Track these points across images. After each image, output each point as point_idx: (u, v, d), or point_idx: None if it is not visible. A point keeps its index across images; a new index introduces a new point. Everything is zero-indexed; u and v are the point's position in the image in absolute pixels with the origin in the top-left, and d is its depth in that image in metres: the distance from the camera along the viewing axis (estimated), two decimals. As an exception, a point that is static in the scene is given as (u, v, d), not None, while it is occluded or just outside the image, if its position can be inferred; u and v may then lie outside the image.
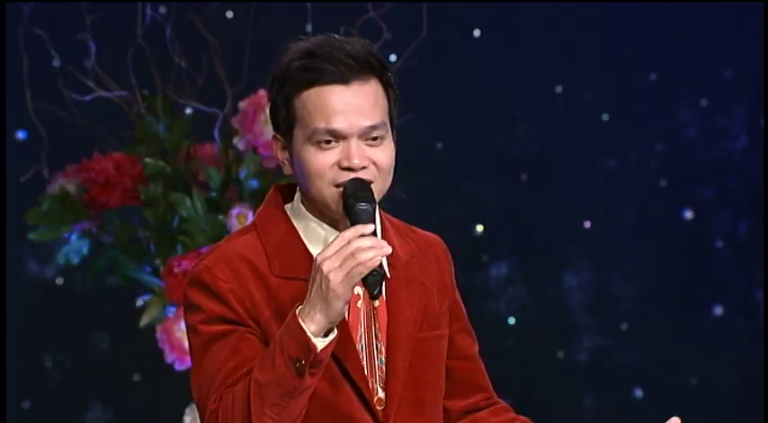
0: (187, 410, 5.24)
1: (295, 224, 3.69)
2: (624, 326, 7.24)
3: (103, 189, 5.15)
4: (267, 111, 4.98)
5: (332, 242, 3.52)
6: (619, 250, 7.32)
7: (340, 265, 3.51)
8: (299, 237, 3.67)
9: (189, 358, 4.90)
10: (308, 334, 3.50)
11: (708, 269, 7.59)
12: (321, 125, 3.60)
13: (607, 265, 7.28)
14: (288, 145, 3.65)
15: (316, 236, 3.69)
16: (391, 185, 3.69)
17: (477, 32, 6.83)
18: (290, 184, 3.74)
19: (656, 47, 7.17)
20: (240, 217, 5.08)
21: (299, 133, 3.62)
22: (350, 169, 3.60)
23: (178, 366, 5.12)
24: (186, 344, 4.87)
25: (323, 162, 3.62)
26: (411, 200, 6.57)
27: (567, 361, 7.19)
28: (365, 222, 3.54)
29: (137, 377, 6.34)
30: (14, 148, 6.41)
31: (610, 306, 7.22)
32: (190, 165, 5.22)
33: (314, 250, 3.63)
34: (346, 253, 3.52)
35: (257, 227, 3.69)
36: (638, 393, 7.25)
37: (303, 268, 3.61)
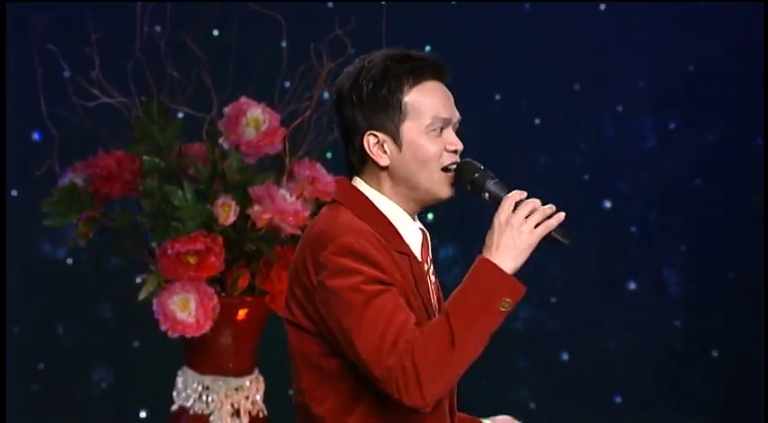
0: (179, 372, 5.23)
1: (380, 209, 3.59)
2: (553, 299, 7.31)
3: (106, 182, 5.17)
4: (247, 117, 5.06)
5: (515, 206, 3.48)
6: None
7: (538, 223, 3.48)
8: (389, 219, 3.59)
9: (180, 326, 4.99)
10: (515, 279, 3.47)
11: (623, 250, 7.66)
12: (438, 115, 3.58)
13: (539, 248, 7.31)
14: (394, 139, 3.54)
15: (400, 217, 3.60)
16: None
17: (428, 48, 6.82)
18: (343, 179, 3.64)
19: (580, 60, 7.25)
20: (224, 206, 5.04)
21: (410, 125, 3.55)
22: (456, 152, 3.58)
23: (171, 334, 5.05)
24: (182, 315, 4.98)
25: (438, 148, 3.57)
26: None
27: (504, 329, 7.22)
28: (506, 192, 3.54)
29: (136, 343, 6.35)
30: (31, 147, 6.44)
31: (541, 282, 7.24)
32: (181, 161, 5.19)
33: (401, 229, 3.58)
34: (542, 213, 3.49)
35: (355, 209, 3.57)
36: (565, 356, 7.29)
37: (403, 245, 3.57)
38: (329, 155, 5.36)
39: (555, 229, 3.50)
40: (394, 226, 3.58)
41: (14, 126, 6.32)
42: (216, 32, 5.63)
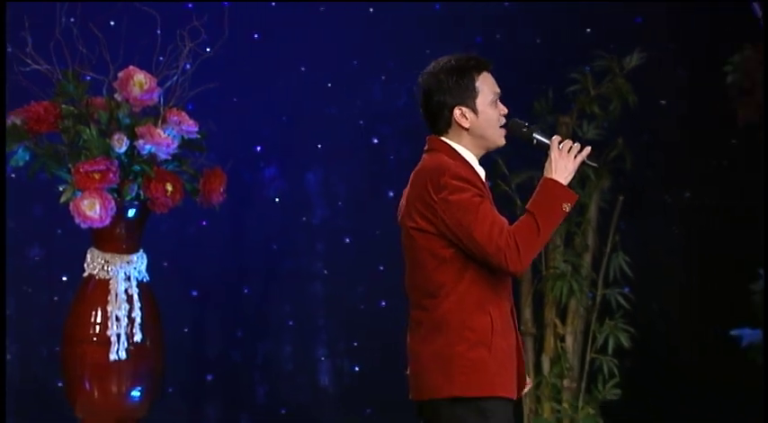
0: (88, 251, 5.20)
1: (461, 154, 3.64)
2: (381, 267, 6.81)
3: (37, 122, 5.12)
4: (134, 80, 5.03)
5: (559, 145, 3.60)
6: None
7: (576, 155, 3.60)
8: (467, 160, 3.64)
9: (89, 220, 5.02)
10: (571, 189, 3.59)
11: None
12: (495, 92, 3.65)
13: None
14: (472, 110, 3.62)
15: (472, 160, 3.65)
16: None
17: (256, 35, 6.66)
18: (435, 137, 3.65)
19: (358, 47, 6.81)
20: (119, 140, 5.04)
21: (481, 100, 3.63)
22: (505, 115, 3.67)
23: (83, 225, 5.05)
24: (90, 212, 5.01)
25: (497, 113, 3.65)
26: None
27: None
28: (548, 138, 3.66)
29: (59, 231, 6.19)
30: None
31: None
32: (88, 109, 5.15)
33: (474, 167, 3.64)
34: (576, 148, 3.61)
35: (448, 155, 3.61)
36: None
37: (480, 178, 3.64)
38: (190, 106, 5.32)
39: (587, 157, 3.64)
40: (470, 164, 3.65)
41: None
42: (112, 23, 5.59)
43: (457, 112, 3.63)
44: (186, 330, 6.69)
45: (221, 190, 5.26)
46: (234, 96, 6.57)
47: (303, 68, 6.75)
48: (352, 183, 6.88)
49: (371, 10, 6.78)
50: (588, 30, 6.66)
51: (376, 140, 6.89)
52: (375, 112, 6.86)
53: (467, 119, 3.63)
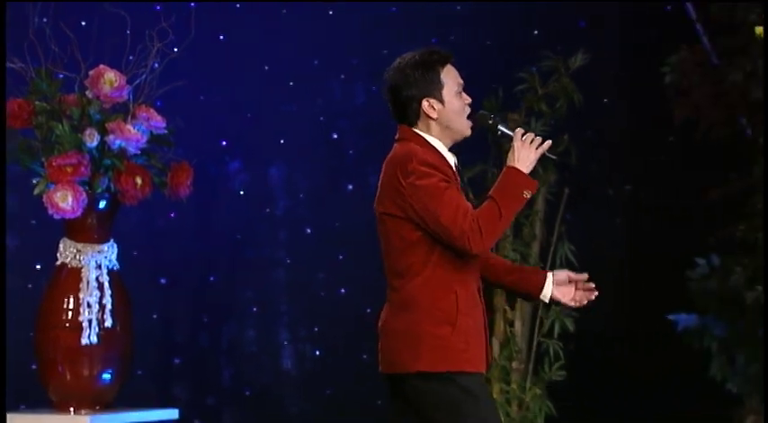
0: (61, 241, 5.15)
1: (431, 143, 3.66)
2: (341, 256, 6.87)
3: (12, 118, 5.06)
4: (104, 78, 5.01)
5: (522, 137, 3.62)
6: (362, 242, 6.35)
7: (539, 146, 3.62)
8: (437, 149, 3.66)
9: (61, 212, 4.98)
10: (531, 178, 3.60)
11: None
12: (459, 82, 3.67)
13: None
14: (439, 101, 3.64)
15: (442, 149, 3.66)
16: None
17: (222, 36, 6.64)
18: (406, 127, 3.67)
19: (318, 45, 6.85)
20: (90, 135, 5.00)
21: (446, 91, 3.65)
22: (468, 104, 3.69)
23: (56, 216, 5.01)
24: (62, 204, 4.97)
25: (462, 103, 3.68)
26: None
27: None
28: (512, 130, 3.68)
29: (33, 222, 6.15)
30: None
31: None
32: (61, 106, 5.11)
33: (444, 155, 3.66)
34: (538, 140, 3.63)
35: (418, 144, 3.63)
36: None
37: (448, 163, 3.66)
38: (158, 103, 5.28)
39: (546, 150, 3.66)
40: (440, 152, 3.67)
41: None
42: (84, 23, 5.55)
43: (425, 103, 3.65)
44: (155, 316, 6.69)
45: (188, 183, 5.25)
46: (200, 94, 6.55)
47: (266, 67, 6.75)
48: (312, 176, 6.88)
49: (331, 12, 6.80)
50: (536, 32, 6.71)
51: (335, 136, 6.90)
52: (334, 108, 6.88)
53: (434, 109, 3.65)
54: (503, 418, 5.84)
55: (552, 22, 6.71)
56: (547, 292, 3.81)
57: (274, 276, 6.87)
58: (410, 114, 3.67)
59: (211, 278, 6.81)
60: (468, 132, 3.70)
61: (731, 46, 5.97)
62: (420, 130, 3.68)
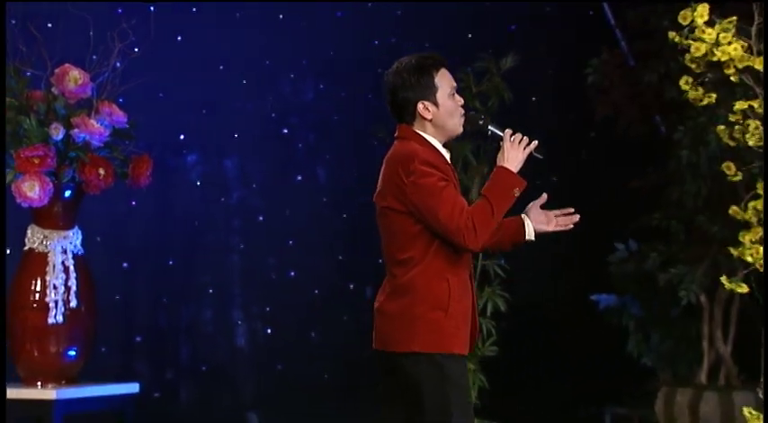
0: (28, 227, 5.11)
1: (429, 141, 3.65)
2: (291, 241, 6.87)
3: None
4: (69, 76, 4.96)
5: (510, 137, 3.61)
6: (311, 229, 6.78)
7: (526, 146, 3.60)
8: (434, 146, 3.65)
9: (29, 200, 4.94)
10: (520, 177, 3.58)
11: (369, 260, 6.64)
12: (452, 85, 3.66)
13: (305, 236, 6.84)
14: (433, 103, 3.62)
15: (438, 146, 3.65)
16: None
17: (179, 37, 6.63)
18: (405, 126, 3.66)
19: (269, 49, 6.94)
20: (55, 129, 4.97)
21: (441, 94, 3.63)
22: (462, 105, 3.68)
23: (23, 205, 4.97)
24: (30, 193, 4.92)
25: (455, 104, 3.66)
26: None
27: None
28: (501, 130, 3.66)
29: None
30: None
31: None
32: (29, 102, 5.07)
33: (441, 152, 3.65)
34: (525, 140, 3.61)
35: (417, 142, 3.62)
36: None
37: (446, 161, 3.64)
38: (120, 100, 5.25)
39: (534, 149, 3.64)
40: (438, 150, 3.66)
41: None
42: (50, 25, 5.51)
43: (420, 106, 3.64)
44: (117, 297, 6.66)
45: (148, 174, 5.24)
46: (159, 91, 6.53)
47: (221, 67, 6.74)
48: (264, 168, 6.88)
49: (281, 16, 6.81)
50: (470, 35, 6.75)
51: (286, 131, 6.89)
52: (285, 105, 6.88)
53: (429, 111, 3.64)
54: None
55: (485, 25, 6.75)
56: (531, 232, 3.82)
57: (229, 261, 6.86)
58: (407, 115, 3.66)
59: (170, 262, 6.79)
60: (461, 131, 3.70)
61: (646, 49, 6.01)
62: (417, 129, 3.67)
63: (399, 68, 3.66)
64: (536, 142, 3.65)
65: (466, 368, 3.65)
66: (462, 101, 3.70)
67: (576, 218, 3.80)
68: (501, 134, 3.66)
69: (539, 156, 3.66)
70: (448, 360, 3.57)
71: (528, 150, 3.64)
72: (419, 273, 3.56)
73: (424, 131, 3.66)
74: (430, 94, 3.64)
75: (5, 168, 4.98)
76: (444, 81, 3.67)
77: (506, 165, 3.61)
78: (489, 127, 3.69)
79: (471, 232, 3.49)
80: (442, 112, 3.65)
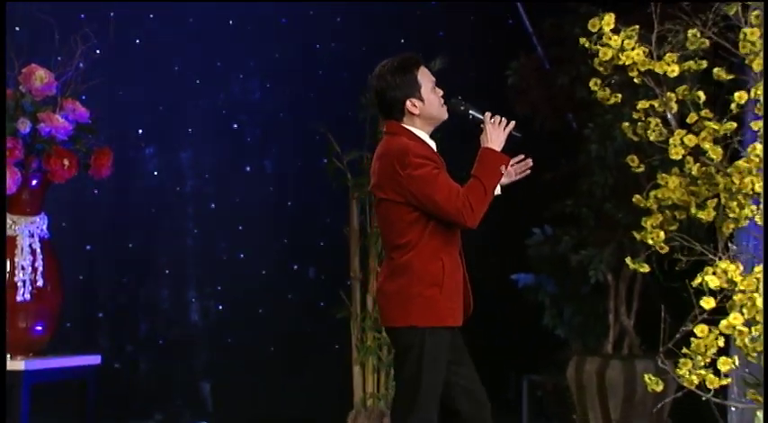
0: (8, 218, 5.01)
1: (417, 134, 3.62)
2: (240, 226, 6.86)
3: None
4: (36, 75, 4.90)
5: (491, 119, 3.59)
6: (258, 215, 6.77)
7: (506, 127, 3.60)
8: (423, 139, 3.62)
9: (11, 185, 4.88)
10: (504, 154, 3.58)
11: (311, 243, 6.77)
12: (433, 80, 3.63)
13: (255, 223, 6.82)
14: (419, 99, 3.60)
15: (426, 138, 3.63)
16: None
17: (137, 40, 6.62)
18: (394, 122, 3.62)
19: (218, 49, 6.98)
20: (23, 123, 4.90)
21: (424, 90, 3.61)
22: (443, 96, 3.66)
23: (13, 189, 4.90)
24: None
25: (438, 97, 3.64)
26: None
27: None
28: (482, 114, 3.64)
29: None
30: None
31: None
32: None
33: (428, 143, 3.61)
34: (505, 121, 3.61)
35: (407, 137, 3.59)
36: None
37: (434, 151, 3.61)
38: (83, 97, 5.17)
39: (512, 129, 3.63)
40: (426, 142, 3.64)
41: None
42: (17, 29, 5.44)
43: (408, 103, 3.62)
44: (81, 277, 6.66)
45: (109, 165, 5.20)
46: (119, 90, 6.55)
47: (176, 68, 6.76)
48: (216, 160, 6.89)
49: (231, 22, 6.83)
50: (402, 40, 6.79)
51: (235, 126, 6.93)
52: (234, 103, 6.91)
53: (416, 107, 3.62)
54: (375, 362, 5.93)
55: (416, 31, 6.79)
56: (497, 188, 3.77)
57: (184, 244, 6.88)
58: (396, 112, 3.64)
59: (130, 245, 6.80)
60: (446, 116, 3.67)
61: (560, 55, 6.10)
62: (406, 124, 3.65)
63: (383, 71, 3.64)
64: (513, 123, 3.64)
65: (452, 337, 3.61)
66: (442, 92, 3.68)
67: (530, 162, 3.79)
68: (481, 117, 3.66)
69: (517, 134, 3.65)
70: (436, 332, 3.54)
71: (508, 130, 3.64)
72: (416, 254, 3.55)
73: (413, 126, 3.64)
74: (415, 90, 3.62)
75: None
76: (425, 77, 3.66)
77: (490, 145, 3.60)
78: (470, 111, 3.68)
79: (469, 211, 3.49)
80: (428, 106, 3.63)
